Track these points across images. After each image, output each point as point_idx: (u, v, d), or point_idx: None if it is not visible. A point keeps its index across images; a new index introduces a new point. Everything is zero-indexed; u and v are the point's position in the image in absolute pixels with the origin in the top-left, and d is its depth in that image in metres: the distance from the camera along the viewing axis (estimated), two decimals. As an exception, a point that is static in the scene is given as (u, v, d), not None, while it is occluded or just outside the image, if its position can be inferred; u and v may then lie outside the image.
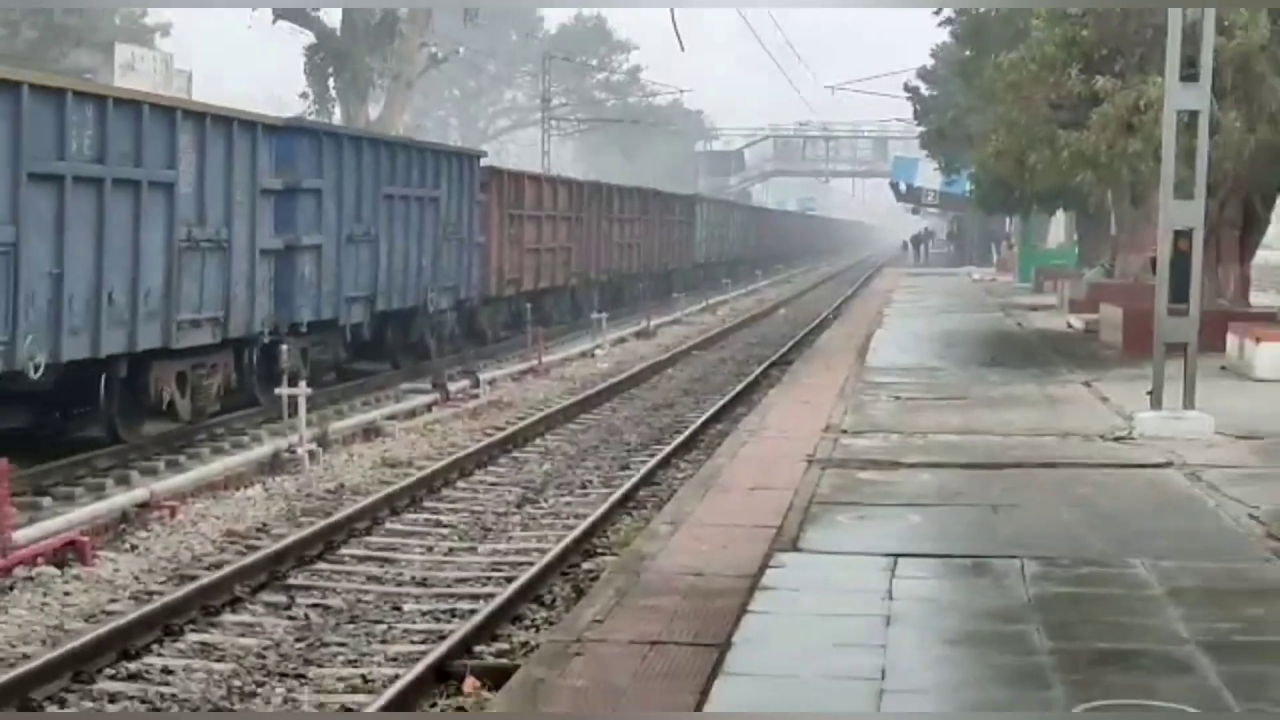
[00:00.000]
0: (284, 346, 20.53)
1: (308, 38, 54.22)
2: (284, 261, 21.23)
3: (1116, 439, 15.41)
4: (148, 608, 10.52)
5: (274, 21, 53.76)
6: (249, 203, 19.73)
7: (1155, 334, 16.20)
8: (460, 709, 8.25)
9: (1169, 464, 13.73)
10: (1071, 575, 9.38)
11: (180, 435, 18.70)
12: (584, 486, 16.24)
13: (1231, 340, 22.00)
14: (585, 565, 12.20)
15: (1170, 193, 15.80)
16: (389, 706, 8.37)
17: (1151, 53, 18.33)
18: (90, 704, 8.88)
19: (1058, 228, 51.06)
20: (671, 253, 55.41)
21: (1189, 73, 15.58)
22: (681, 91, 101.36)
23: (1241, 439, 15.14)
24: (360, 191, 24.59)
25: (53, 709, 8.17)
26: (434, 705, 8.78)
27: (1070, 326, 32.47)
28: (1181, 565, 9.60)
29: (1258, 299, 25.45)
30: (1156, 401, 15.88)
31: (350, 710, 6.08)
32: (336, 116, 50.58)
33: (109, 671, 9.39)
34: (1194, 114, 15.69)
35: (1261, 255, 28.33)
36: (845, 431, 15.81)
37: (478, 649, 9.76)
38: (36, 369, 15.40)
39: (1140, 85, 20.41)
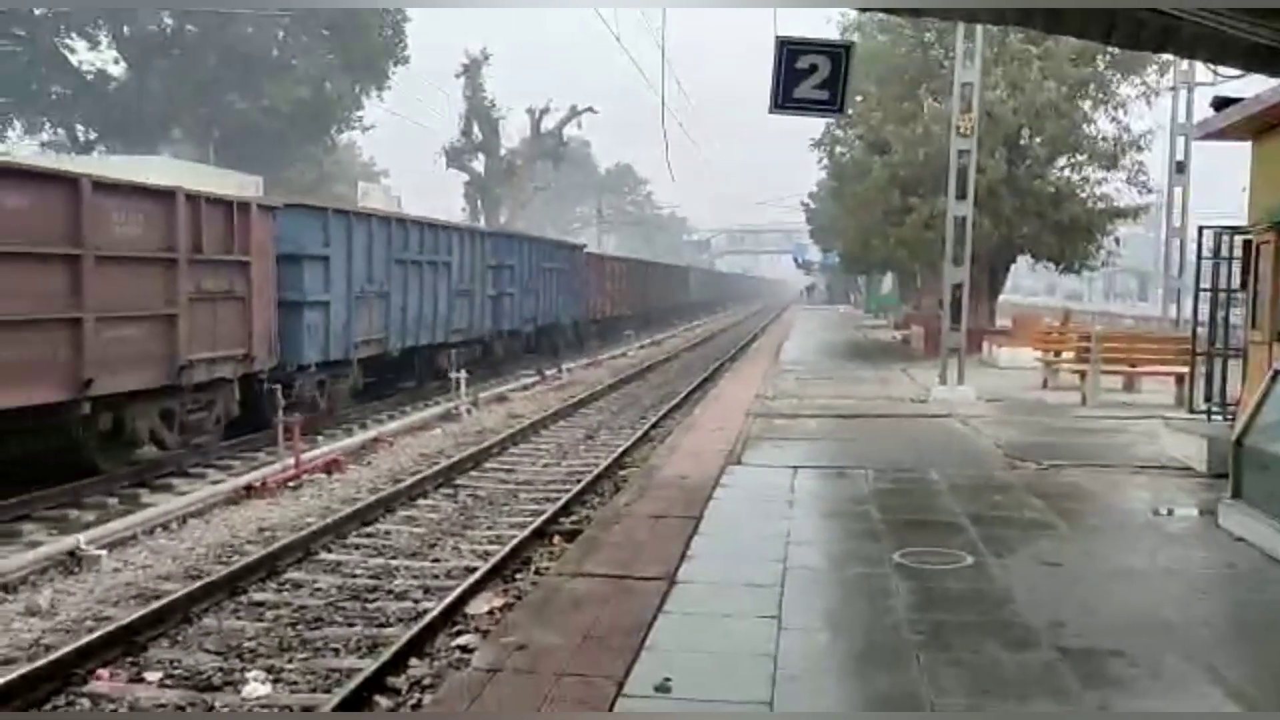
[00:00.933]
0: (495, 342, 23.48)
1: (464, 177, 54.38)
2: (497, 301, 23.44)
3: (919, 401, 15.43)
4: (375, 496, 10.59)
5: (446, 168, 53.88)
6: (481, 272, 22.13)
7: (942, 341, 16.23)
8: (542, 566, 8.01)
9: (949, 415, 13.75)
10: (894, 478, 9.41)
11: (412, 393, 19.05)
12: (620, 428, 16.28)
13: (985, 345, 22.02)
14: (620, 473, 12.24)
15: (950, 262, 15.82)
16: (510, 554, 8.42)
17: (939, 183, 18.36)
18: (335, 555, 8.92)
19: (888, 282, 51.03)
20: (674, 296, 55.98)
21: (961, 194, 15.62)
22: (674, 207, 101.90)
23: (990, 401, 15.15)
24: (529, 265, 26.03)
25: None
26: (534, 553, 8.81)
27: (893, 338, 32.47)
28: (956, 472, 9.64)
29: (1000, 323, 25.44)
30: (943, 380, 15.87)
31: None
32: (481, 223, 50.65)
33: (355, 532, 9.47)
34: (963, 219, 15.70)
35: (1003, 298, 28.40)
36: (767, 397, 15.84)
37: (561, 520, 9.82)
38: (395, 351, 18.18)
39: (934, 202, 20.42)
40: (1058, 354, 17.82)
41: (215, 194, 13.08)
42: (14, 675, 5.60)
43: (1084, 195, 22.10)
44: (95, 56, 39.07)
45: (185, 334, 11.69)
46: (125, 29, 37.70)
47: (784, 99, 8.35)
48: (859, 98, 22.29)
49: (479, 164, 54.33)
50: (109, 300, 10.47)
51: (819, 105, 8.57)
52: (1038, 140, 21.85)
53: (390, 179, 62.22)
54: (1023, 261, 26.69)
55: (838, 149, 32.58)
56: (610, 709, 4.31)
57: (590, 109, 56.53)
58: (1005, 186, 20.81)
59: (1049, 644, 5.09)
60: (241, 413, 13.35)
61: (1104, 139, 21.86)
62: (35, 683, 5.63)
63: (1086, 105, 21.81)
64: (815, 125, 30.71)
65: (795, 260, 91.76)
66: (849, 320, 48.64)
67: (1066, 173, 22.55)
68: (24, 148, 37.23)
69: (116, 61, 39.31)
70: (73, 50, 38.35)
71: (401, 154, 63.41)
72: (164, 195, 11.60)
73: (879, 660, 4.91)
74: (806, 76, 8.17)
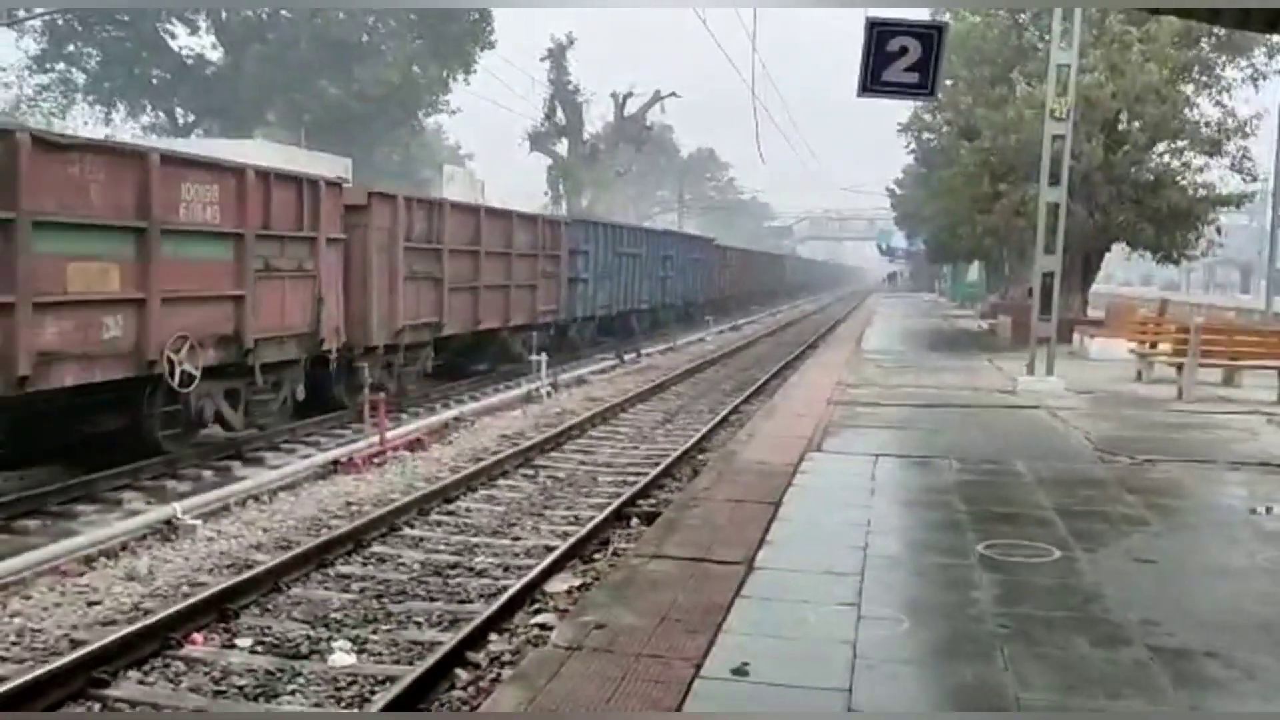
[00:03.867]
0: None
1: (547, 161, 54.70)
2: (664, 281, 31.36)
3: (1006, 392, 15.10)
4: (457, 475, 10.74)
5: (530, 152, 54.24)
6: (657, 260, 30.38)
7: (1031, 331, 15.88)
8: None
9: (1038, 407, 13.44)
10: (979, 469, 9.24)
11: (492, 376, 19.33)
12: (699, 413, 16.27)
13: (1076, 336, 21.49)
14: (699, 457, 12.23)
15: (1041, 250, 15.45)
16: (589, 535, 8.49)
17: (1031, 169, 17.91)
18: (418, 531, 9.08)
19: (974, 270, 50.04)
20: (772, 281, 59.91)
21: (1054, 180, 15.23)
22: (756, 192, 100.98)
23: (1080, 393, 14.75)
24: (682, 255, 33.64)
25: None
26: (612, 534, 8.87)
27: (979, 327, 31.84)
28: (1044, 464, 9.42)
29: (1092, 313, 24.79)
30: (1031, 370, 15.55)
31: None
32: (563, 207, 50.89)
33: (438, 509, 9.64)
34: (1057, 205, 15.31)
35: (1096, 288, 27.64)
36: (849, 385, 15.66)
37: (639, 502, 9.86)
38: (615, 314, 25.77)
39: (1025, 188, 19.96)
40: (1153, 346, 17.26)
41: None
42: (114, 637, 5.84)
43: (1184, 182, 21.37)
44: (194, 41, 40.27)
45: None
46: (223, 15, 38.72)
47: (873, 82, 8.22)
48: (948, 81, 21.82)
49: (562, 148, 54.58)
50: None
51: (909, 89, 8.42)
52: (1136, 125, 21.13)
53: (475, 162, 62.86)
54: (1117, 250, 25.95)
55: (925, 134, 32.02)
56: (687, 691, 4.32)
57: (674, 93, 56.43)
58: (1101, 173, 20.23)
59: (1140, 642, 4.95)
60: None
61: (1207, 124, 21.07)
62: (135, 644, 5.86)
63: (1189, 89, 21.06)
64: (903, 110, 30.33)
65: (879, 247, 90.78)
66: (933, 309, 47.83)
67: (1166, 159, 21.83)
68: (126, 130, 38.56)
69: (214, 46, 40.41)
70: (173, 35, 39.56)
71: (486, 138, 64.03)
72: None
73: (961, 652, 4.83)
74: (896, 59, 8.02)
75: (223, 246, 11.20)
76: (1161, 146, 21.78)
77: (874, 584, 5.77)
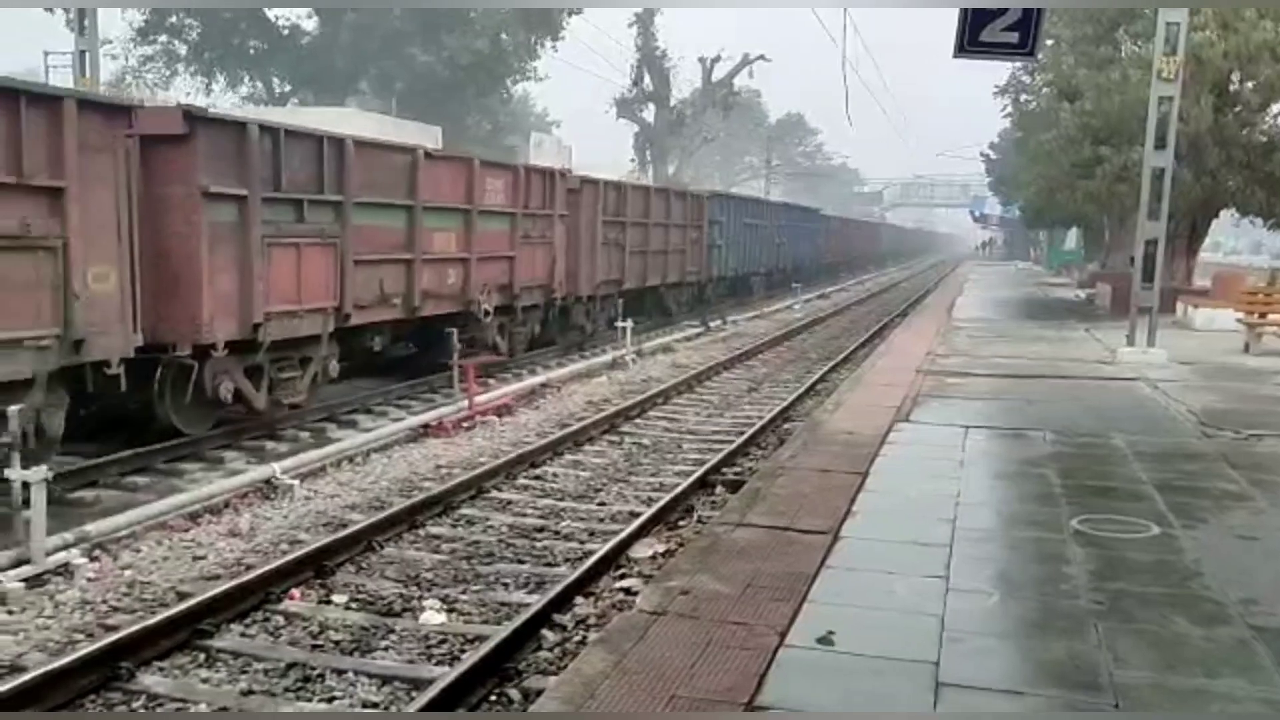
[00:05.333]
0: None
1: (634, 127, 54.58)
2: (780, 246, 35.04)
3: (1104, 363, 14.66)
4: (544, 440, 10.88)
5: (616, 119, 54.14)
6: (776, 229, 33.59)
7: (1132, 301, 15.38)
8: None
9: (1138, 379, 13.03)
10: (1074, 441, 9.01)
11: (579, 343, 19.36)
12: (785, 381, 16.16)
13: (1180, 306, 20.74)
14: (785, 426, 12.18)
15: (1145, 216, 14.92)
16: (673, 501, 8.53)
17: (1135, 133, 17.27)
18: (505, 494, 9.23)
19: (1072, 237, 48.57)
20: (868, 247, 61.15)
21: (1160, 144, 14.66)
22: (845, 157, 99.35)
23: (1183, 365, 14.26)
24: (796, 224, 37.93)
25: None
26: (696, 502, 8.89)
27: (1077, 296, 30.95)
28: (1143, 438, 9.14)
29: (1197, 283, 23.89)
30: (1131, 341, 15.09)
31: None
32: (649, 174, 50.73)
33: (525, 473, 9.78)
34: (1162, 170, 14.75)
35: (1202, 256, 26.62)
36: (939, 354, 15.38)
37: (724, 470, 9.87)
38: (740, 274, 29.82)
39: (1128, 153, 19.26)
40: (1263, 316, 16.59)
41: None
42: (218, 590, 6.09)
43: (1299, 145, 20.36)
44: (290, 12, 41.02)
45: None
46: (318, -16, 39.35)
47: (970, 42, 7.99)
48: (1048, 41, 21.12)
49: (649, 114, 54.34)
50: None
51: (1008, 49, 8.17)
52: (1249, 85, 20.17)
53: (561, 129, 62.97)
54: (1226, 217, 24.92)
55: (1023, 97, 31.09)
56: (772, 659, 4.33)
57: (763, 57, 55.57)
58: (1210, 135, 19.38)
59: (1240, 620, 4.80)
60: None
61: (1326, 84, 20.01)
62: (237, 598, 6.09)
63: (1308, 47, 19.99)
64: (999, 71, 29.41)
65: (973, 214, 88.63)
66: (1028, 277, 46.58)
67: (1280, 121, 20.83)
68: (225, 100, 39.57)
69: (310, 16, 41.12)
70: (270, 6, 40.36)
71: (573, 105, 64.01)
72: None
73: (1054, 627, 4.74)
74: (995, 18, 7.78)
75: (505, 221, 15.49)
76: (1276, 108, 20.76)
77: (963, 557, 5.69)
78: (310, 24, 41.23)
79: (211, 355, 9.70)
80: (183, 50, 39.99)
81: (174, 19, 39.12)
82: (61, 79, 20.59)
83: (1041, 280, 43.01)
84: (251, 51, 40.71)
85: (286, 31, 41.01)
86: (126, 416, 9.95)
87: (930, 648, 4.44)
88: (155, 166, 9.07)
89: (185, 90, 39.94)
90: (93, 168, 8.23)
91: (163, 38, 39.52)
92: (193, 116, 9.40)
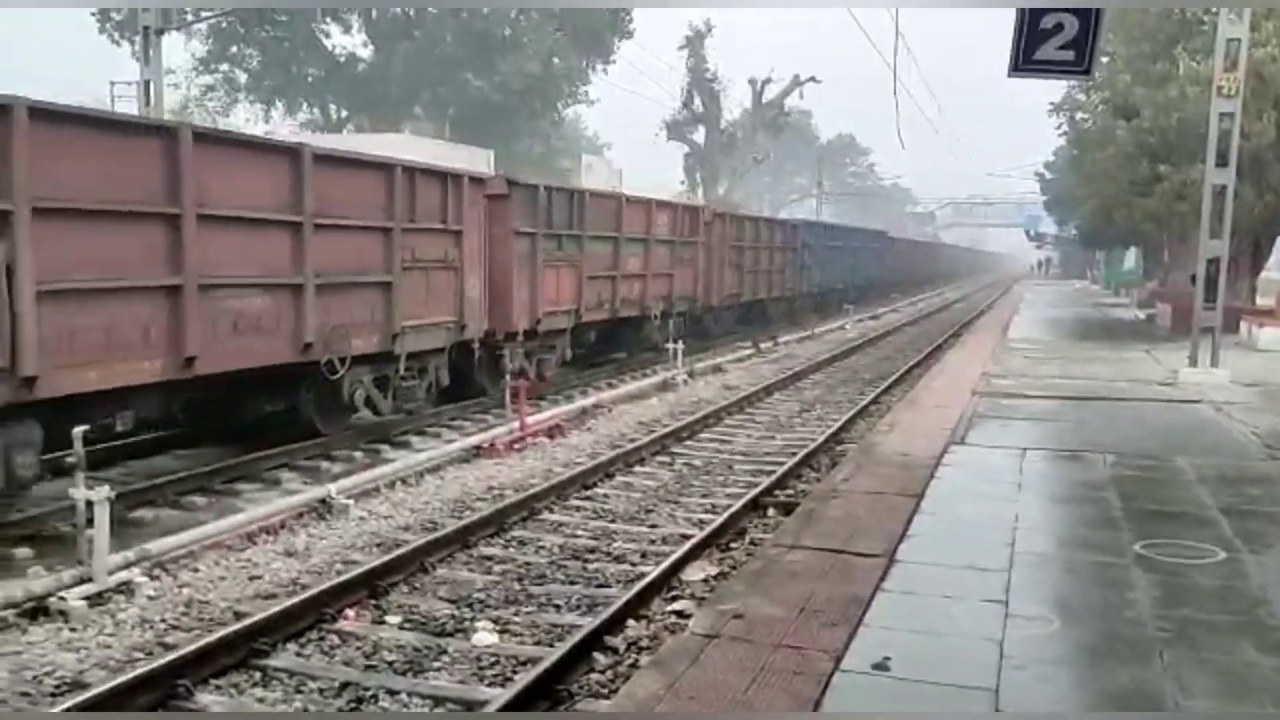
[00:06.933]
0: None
1: (684, 149, 54.76)
2: (853, 267, 38.48)
3: (1165, 384, 14.37)
4: (595, 461, 10.87)
5: (667, 140, 54.36)
6: (849, 250, 36.69)
7: (1194, 320, 15.10)
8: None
9: (1200, 400, 12.75)
10: (1135, 464, 8.83)
11: (629, 365, 19.72)
12: (837, 403, 16.02)
13: (1243, 326, 20.33)
14: (838, 448, 12.06)
15: (1206, 234, 14.64)
16: (725, 523, 8.46)
17: (1195, 150, 16.98)
18: (557, 516, 9.23)
19: (1130, 256, 47.81)
20: (926, 268, 62.74)
21: (1221, 161, 14.39)
22: (897, 178, 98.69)
23: (1248, 386, 13.94)
24: (864, 246, 41.06)
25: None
26: (749, 524, 8.82)
27: (1136, 317, 30.44)
28: (1207, 461, 8.94)
29: (1261, 302, 23.36)
30: (1193, 362, 14.80)
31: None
32: (699, 195, 50.83)
33: (576, 494, 9.78)
34: (1223, 187, 14.47)
35: (1266, 274, 26.03)
36: (995, 375, 15.17)
37: (776, 492, 9.79)
38: (824, 290, 33.49)
39: (1188, 171, 18.93)
40: (1330, 337, 16.18)
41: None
42: (275, 610, 6.14)
43: (1366, 162, 19.85)
44: (347, 40, 41.88)
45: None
46: (374, 13, 40.12)
47: (1024, 61, 7.89)
48: (1104, 58, 20.84)
49: (699, 136, 54.50)
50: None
51: (1063, 67, 8.03)
52: (1313, 101, 19.74)
53: (612, 151, 63.41)
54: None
55: (1078, 115, 30.71)
56: (827, 684, 4.27)
57: (813, 78, 55.57)
58: (1272, 152, 18.99)
59: (1314, 652, 4.64)
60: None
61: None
62: (293, 617, 6.15)
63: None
64: (1054, 90, 29.11)
65: (1027, 234, 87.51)
66: (1085, 296, 45.88)
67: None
68: (285, 127, 40.39)
69: (365, 44, 41.93)
70: (327, 35, 41.21)
71: (623, 127, 64.47)
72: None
73: (1117, 654, 4.62)
74: (1051, 36, 7.67)
75: (668, 247, 20.08)
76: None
77: (1022, 581, 5.58)
78: (366, 52, 42.04)
79: (513, 341, 14.55)
80: (243, 79, 40.95)
81: (235, 49, 40.10)
82: (127, 107, 21.16)
83: (1099, 300, 42.34)
84: (309, 79, 41.59)
85: (343, 59, 41.83)
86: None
87: (989, 674, 4.35)
88: (492, 215, 13.81)
89: (245, 117, 40.95)
90: (469, 217, 13.03)
91: (224, 67, 40.53)
92: (511, 182, 14.39)
